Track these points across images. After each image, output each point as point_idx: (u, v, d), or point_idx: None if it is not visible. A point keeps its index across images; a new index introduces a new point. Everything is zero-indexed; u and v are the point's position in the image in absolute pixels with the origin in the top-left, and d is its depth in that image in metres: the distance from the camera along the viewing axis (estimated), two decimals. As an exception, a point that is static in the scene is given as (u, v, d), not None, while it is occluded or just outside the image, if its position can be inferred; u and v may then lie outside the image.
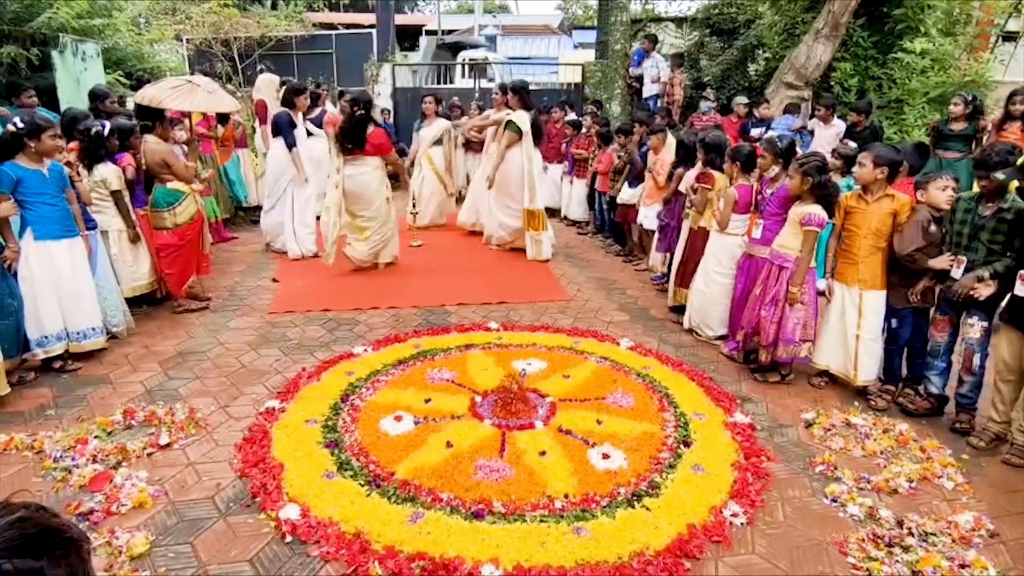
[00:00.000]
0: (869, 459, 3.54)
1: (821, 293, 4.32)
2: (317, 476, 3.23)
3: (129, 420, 3.74)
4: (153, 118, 5.31)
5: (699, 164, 5.38)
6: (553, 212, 9.70)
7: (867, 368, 4.16)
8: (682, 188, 5.52)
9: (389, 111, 12.56)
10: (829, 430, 3.80)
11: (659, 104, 10.50)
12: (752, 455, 3.50)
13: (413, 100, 12.54)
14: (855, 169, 4.14)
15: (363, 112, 6.28)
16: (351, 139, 6.30)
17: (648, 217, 6.63)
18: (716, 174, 5.13)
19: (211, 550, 2.77)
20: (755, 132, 8.37)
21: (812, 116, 8.58)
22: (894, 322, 4.14)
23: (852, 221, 4.10)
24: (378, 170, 6.49)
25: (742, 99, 9.07)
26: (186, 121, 6.61)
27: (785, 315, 4.22)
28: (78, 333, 4.47)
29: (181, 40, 14.03)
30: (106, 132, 4.95)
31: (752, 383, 4.45)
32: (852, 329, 4.15)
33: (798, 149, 4.73)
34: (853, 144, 6.47)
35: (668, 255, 6.06)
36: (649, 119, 7.19)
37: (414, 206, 7.95)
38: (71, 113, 5.34)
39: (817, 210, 4.08)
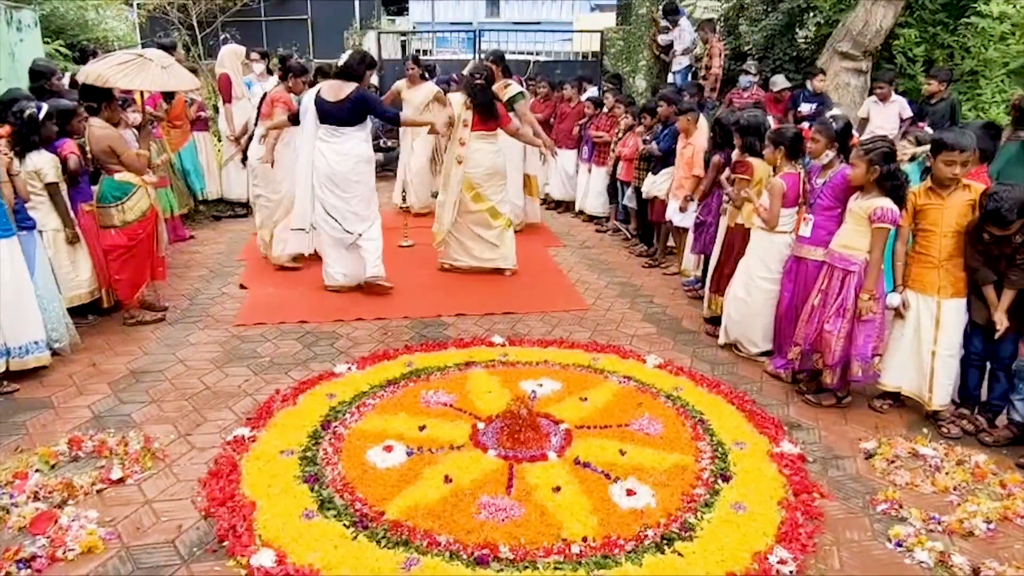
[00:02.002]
0: (940, 496, 3.55)
1: (894, 310, 4.29)
2: (295, 516, 3.26)
3: (75, 451, 3.78)
4: (99, 98, 5.37)
5: (736, 151, 5.41)
6: (567, 205, 9.78)
7: (944, 389, 4.19)
8: (722, 179, 5.54)
9: (376, 87, 12.62)
10: (893, 462, 3.82)
11: (689, 79, 10.53)
12: (803, 491, 3.52)
13: (402, 74, 12.62)
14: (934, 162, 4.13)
15: (484, 82, 6.72)
16: (488, 111, 6.69)
17: (678, 212, 6.66)
18: (755, 162, 5.15)
19: (172, 602, 2.81)
20: (806, 108, 8.40)
21: (871, 93, 8.60)
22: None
23: (927, 220, 4.11)
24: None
25: (780, 80, 9.02)
26: (137, 100, 6.65)
27: (856, 328, 4.25)
28: (20, 348, 4.53)
29: (131, 5, 14.14)
30: (41, 115, 5.00)
31: (802, 406, 4.48)
32: (928, 344, 4.17)
33: (854, 132, 4.74)
34: (929, 130, 6.49)
35: (703, 257, 6.09)
36: (676, 96, 7.22)
37: (404, 199, 7.96)
38: (11, 94, 5.39)
39: (888, 204, 4.08)
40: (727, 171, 5.44)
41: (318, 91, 6.03)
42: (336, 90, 5.96)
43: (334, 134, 6.03)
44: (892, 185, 4.10)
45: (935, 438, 4.07)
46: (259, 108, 6.93)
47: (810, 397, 4.51)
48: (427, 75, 9.36)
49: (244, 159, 7.30)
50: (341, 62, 6.11)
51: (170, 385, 4.63)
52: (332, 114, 5.97)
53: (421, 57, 11.18)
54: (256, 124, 6.93)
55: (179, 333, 5.49)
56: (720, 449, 3.87)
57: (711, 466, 3.71)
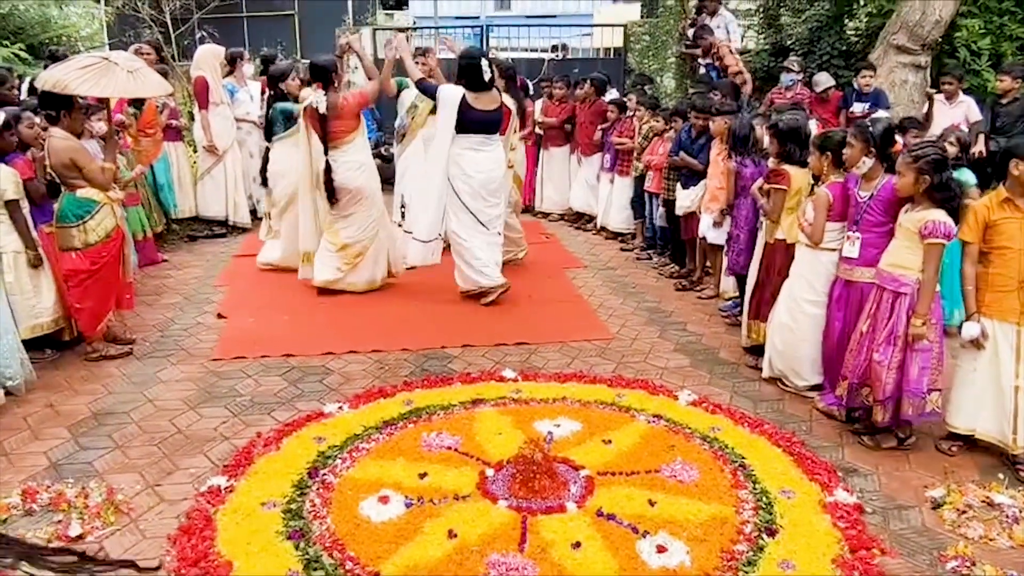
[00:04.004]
0: (1019, 551, 3.51)
1: (974, 341, 4.21)
2: (277, 578, 3.24)
3: (29, 503, 3.78)
4: (59, 106, 5.43)
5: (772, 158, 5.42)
6: (587, 220, 9.80)
7: None
8: (754, 190, 5.55)
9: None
10: (964, 512, 3.76)
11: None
12: (860, 547, 3.47)
13: (400, 75, 12.72)
14: (1012, 169, 4.09)
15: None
16: (522, 118, 7.25)
17: (712, 227, 6.66)
18: (792, 170, 5.16)
19: None
20: (858, 108, 8.40)
21: (937, 90, 8.58)
22: None
23: (1003, 236, 4.08)
24: None
25: (823, 78, 9.03)
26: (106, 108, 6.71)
27: (908, 358, 4.21)
28: (-37, 388, 4.56)
29: (98, 1, 14.34)
30: None
31: (858, 449, 4.43)
32: (1009, 379, 4.12)
33: (897, 138, 4.72)
34: (964, 128, 6.49)
35: (737, 278, 6.12)
36: (708, 99, 7.24)
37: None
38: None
39: (941, 217, 4.06)
40: (759, 181, 5.44)
41: (463, 100, 6.53)
42: (487, 100, 6.64)
43: (487, 143, 6.69)
44: (944, 196, 4.08)
45: (1013, 484, 4.01)
46: (324, 126, 6.58)
47: (867, 438, 4.47)
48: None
49: (331, 196, 6.74)
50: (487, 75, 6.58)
51: (137, 428, 4.63)
52: (490, 123, 6.67)
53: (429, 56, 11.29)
54: (327, 150, 6.62)
55: (148, 369, 5.50)
56: (764, 499, 3.83)
57: (754, 518, 3.67)
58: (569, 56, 14.47)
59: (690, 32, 11.32)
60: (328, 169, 6.66)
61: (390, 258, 7.20)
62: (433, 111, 7.35)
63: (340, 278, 6.95)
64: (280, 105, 7.59)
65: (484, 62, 6.61)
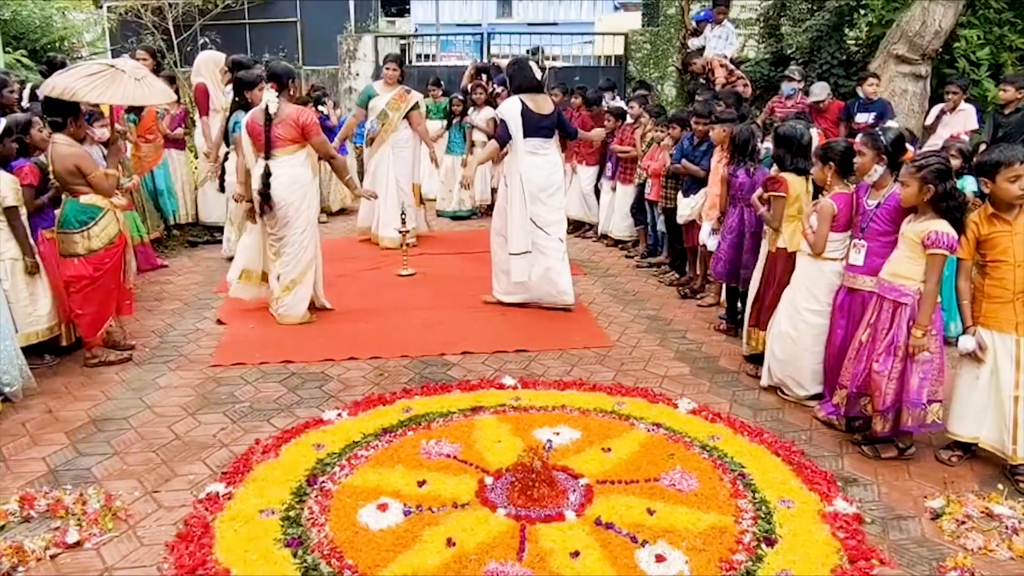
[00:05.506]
0: (1019, 563, 3.49)
1: (972, 354, 4.22)
2: (275, 586, 3.23)
3: (27, 510, 3.77)
4: (64, 113, 5.43)
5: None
6: (587, 227, 9.80)
7: None
8: (753, 199, 5.56)
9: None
10: (964, 523, 3.75)
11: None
12: (859, 557, 3.46)
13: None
14: (983, 188, 4.14)
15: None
16: None
17: (711, 235, 6.67)
18: (790, 178, 5.17)
19: None
20: (862, 118, 8.40)
21: (942, 99, 8.60)
22: None
23: (996, 250, 4.09)
24: None
25: (819, 89, 9.04)
26: (105, 114, 6.73)
27: (908, 369, 4.21)
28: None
29: (101, 6, 14.37)
30: None
31: (858, 459, 4.42)
32: (1008, 388, 4.11)
33: (908, 146, 4.73)
34: (965, 137, 6.52)
35: (724, 286, 6.17)
36: (709, 104, 7.26)
37: (404, 222, 8.01)
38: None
39: (944, 227, 4.07)
40: (759, 190, 5.46)
41: (523, 105, 6.65)
42: (540, 103, 6.76)
43: (544, 147, 6.80)
44: (948, 206, 4.08)
45: (1012, 495, 4.00)
46: (268, 129, 6.09)
47: (867, 448, 4.46)
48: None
49: (263, 204, 6.24)
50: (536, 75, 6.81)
51: (136, 435, 4.62)
52: (544, 127, 6.75)
53: (428, 63, 11.40)
54: (268, 156, 6.17)
55: (147, 375, 5.50)
56: (764, 508, 3.82)
57: (753, 528, 3.66)
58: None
59: (691, 42, 11.37)
60: (267, 174, 6.16)
61: (316, 292, 6.73)
62: (406, 116, 8.74)
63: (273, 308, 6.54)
64: (239, 118, 7.10)
65: (532, 63, 6.91)
